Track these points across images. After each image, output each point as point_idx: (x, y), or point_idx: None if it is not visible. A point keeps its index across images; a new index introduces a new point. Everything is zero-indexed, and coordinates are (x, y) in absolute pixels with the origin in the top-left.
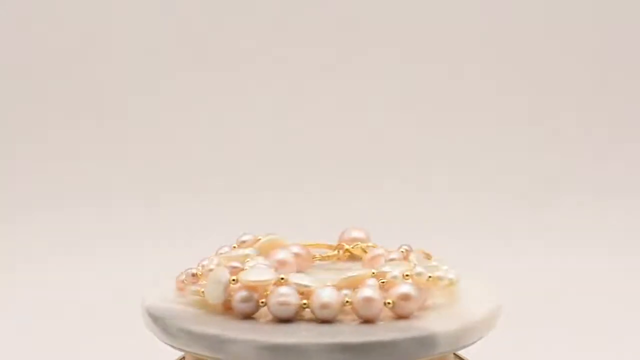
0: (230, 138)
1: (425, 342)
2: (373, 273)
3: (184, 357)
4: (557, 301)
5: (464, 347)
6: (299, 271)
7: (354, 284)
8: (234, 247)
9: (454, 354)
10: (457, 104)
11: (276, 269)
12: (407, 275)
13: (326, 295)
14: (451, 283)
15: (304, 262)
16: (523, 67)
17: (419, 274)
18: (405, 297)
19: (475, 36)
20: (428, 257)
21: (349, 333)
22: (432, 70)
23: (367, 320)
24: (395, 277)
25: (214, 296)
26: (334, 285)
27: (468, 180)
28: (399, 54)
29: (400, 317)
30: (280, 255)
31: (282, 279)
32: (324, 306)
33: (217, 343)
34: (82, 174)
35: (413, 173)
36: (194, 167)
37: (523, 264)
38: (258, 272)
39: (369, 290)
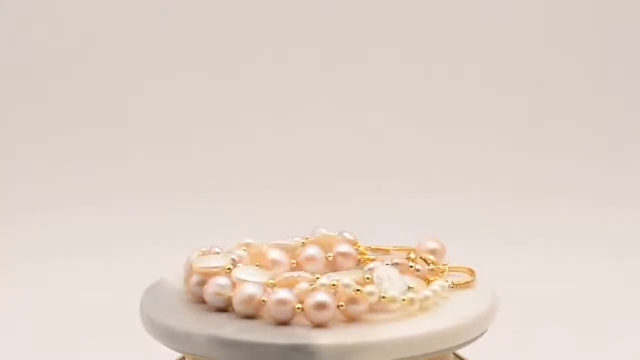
0: (230, 138)
1: (299, 350)
2: (317, 277)
3: (183, 357)
4: (556, 301)
5: None
6: (334, 270)
7: (291, 284)
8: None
9: (454, 353)
10: (457, 104)
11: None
12: (333, 285)
13: (247, 290)
14: (392, 300)
15: (347, 262)
16: (523, 67)
17: (346, 286)
18: (320, 306)
19: (475, 36)
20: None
21: (234, 329)
22: (432, 70)
23: (282, 323)
24: (335, 285)
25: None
26: (266, 283)
27: (468, 180)
28: (399, 54)
29: (318, 325)
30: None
31: (229, 269)
32: (244, 301)
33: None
34: (82, 174)
35: (413, 173)
36: (194, 167)
37: (523, 264)
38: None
39: (283, 292)
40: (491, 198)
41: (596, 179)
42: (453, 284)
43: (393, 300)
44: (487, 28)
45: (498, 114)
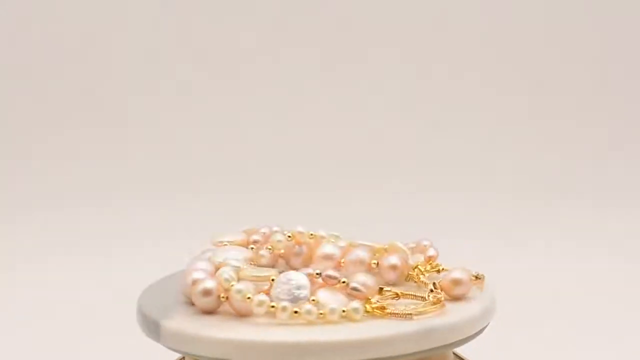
0: (230, 138)
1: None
2: (274, 278)
3: (183, 357)
4: (556, 301)
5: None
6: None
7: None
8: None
9: (454, 353)
10: (457, 104)
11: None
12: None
13: (207, 284)
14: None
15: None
16: (523, 67)
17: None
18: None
19: (475, 36)
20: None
21: (181, 318)
22: (432, 70)
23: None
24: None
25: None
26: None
27: (468, 180)
28: (399, 54)
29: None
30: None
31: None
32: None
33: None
34: (82, 174)
35: (413, 173)
36: (194, 167)
37: (523, 264)
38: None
39: (241, 284)
40: (491, 198)
41: (596, 179)
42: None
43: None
44: (487, 28)
45: (498, 114)
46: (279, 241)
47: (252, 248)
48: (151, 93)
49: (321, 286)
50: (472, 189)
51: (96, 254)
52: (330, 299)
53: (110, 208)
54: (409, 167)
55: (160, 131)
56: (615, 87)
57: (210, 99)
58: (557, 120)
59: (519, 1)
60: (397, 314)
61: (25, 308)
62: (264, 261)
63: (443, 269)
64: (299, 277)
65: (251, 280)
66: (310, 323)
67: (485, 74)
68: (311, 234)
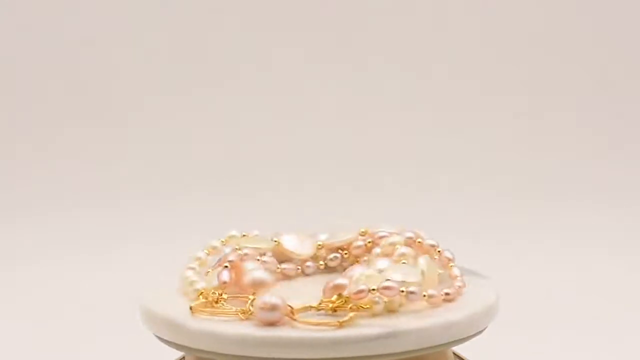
0: (230, 138)
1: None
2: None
3: (183, 357)
4: (556, 301)
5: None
6: None
7: None
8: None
9: (454, 353)
10: (457, 104)
11: None
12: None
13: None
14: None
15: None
16: (523, 67)
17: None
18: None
19: (475, 36)
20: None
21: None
22: (433, 70)
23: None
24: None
25: None
26: None
27: (468, 180)
28: (399, 54)
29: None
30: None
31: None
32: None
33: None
34: (82, 174)
35: (413, 173)
36: (194, 167)
37: (523, 264)
38: None
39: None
40: (491, 198)
41: (596, 179)
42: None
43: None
44: (487, 28)
45: (498, 114)
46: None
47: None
48: (151, 93)
49: None
50: (472, 189)
51: (96, 254)
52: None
53: (110, 208)
54: (409, 167)
55: (160, 131)
56: (615, 87)
57: (210, 99)
58: (556, 120)
59: (519, 1)
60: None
61: (25, 308)
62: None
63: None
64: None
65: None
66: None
67: (485, 74)
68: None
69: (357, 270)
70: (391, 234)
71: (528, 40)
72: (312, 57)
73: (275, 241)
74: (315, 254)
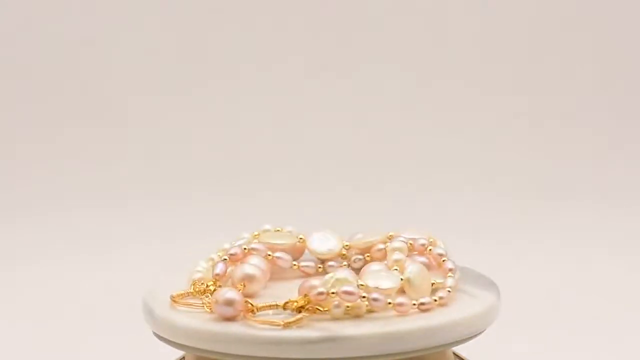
0: (230, 138)
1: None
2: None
3: (183, 357)
4: (556, 301)
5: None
6: None
7: None
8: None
9: (454, 353)
10: (457, 104)
11: None
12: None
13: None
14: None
15: None
16: (523, 67)
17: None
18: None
19: (475, 37)
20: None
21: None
22: (433, 70)
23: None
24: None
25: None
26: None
27: (468, 180)
28: (399, 53)
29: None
30: None
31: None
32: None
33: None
34: (82, 174)
35: (413, 173)
36: (194, 167)
37: (523, 264)
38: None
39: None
40: (491, 198)
41: (596, 179)
42: None
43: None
44: (488, 28)
45: (498, 114)
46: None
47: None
48: (151, 93)
49: None
50: (472, 189)
51: (96, 254)
52: None
53: (111, 208)
54: (409, 167)
55: (160, 131)
56: (615, 87)
57: (210, 99)
58: (557, 121)
59: (519, 1)
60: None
61: (25, 308)
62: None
63: None
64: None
65: None
66: None
67: (485, 74)
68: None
69: (340, 273)
70: (408, 239)
71: (528, 40)
72: (312, 57)
73: (301, 238)
74: (342, 254)
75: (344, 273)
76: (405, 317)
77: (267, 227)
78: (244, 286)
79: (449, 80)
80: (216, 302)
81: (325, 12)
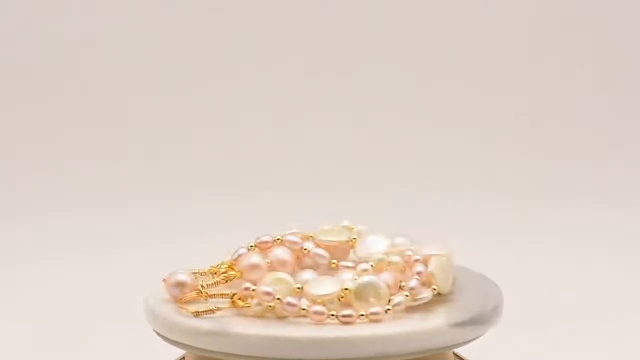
0: (230, 138)
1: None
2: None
3: (184, 357)
4: (556, 301)
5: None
6: None
7: None
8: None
9: (454, 353)
10: (457, 104)
11: None
12: None
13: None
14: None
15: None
16: (523, 67)
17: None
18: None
19: (475, 36)
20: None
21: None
22: (433, 70)
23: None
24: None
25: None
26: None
27: (468, 180)
28: (399, 53)
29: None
30: None
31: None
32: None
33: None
34: (82, 174)
35: (413, 173)
36: (195, 167)
37: (523, 264)
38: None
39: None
40: (491, 198)
41: (596, 179)
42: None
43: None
44: (488, 28)
45: (498, 114)
46: None
47: None
48: (151, 93)
49: None
50: (472, 189)
51: (96, 254)
52: None
53: (111, 208)
54: (409, 167)
55: (160, 131)
56: (615, 87)
57: (210, 99)
58: (556, 121)
59: (519, 1)
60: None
61: (25, 308)
62: None
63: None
64: None
65: None
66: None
67: (485, 74)
68: None
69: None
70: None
71: (528, 40)
72: (312, 57)
73: (354, 238)
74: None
75: (346, 276)
76: (350, 326)
77: (346, 222)
78: (242, 273)
79: (449, 80)
80: (167, 282)
81: (325, 12)
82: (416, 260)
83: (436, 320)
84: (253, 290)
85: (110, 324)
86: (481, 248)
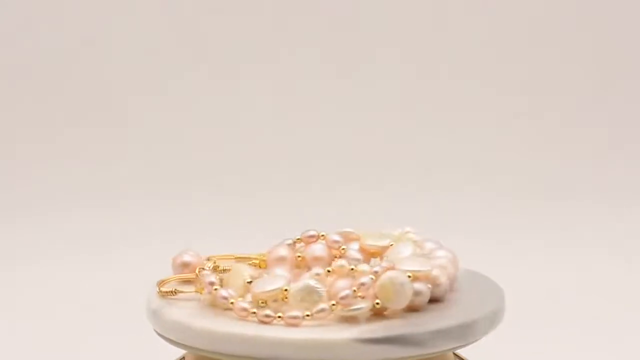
0: (230, 138)
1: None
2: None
3: (184, 357)
4: (556, 301)
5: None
6: None
7: None
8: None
9: (454, 353)
10: (457, 104)
11: None
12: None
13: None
14: None
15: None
16: (523, 67)
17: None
18: None
19: (475, 36)
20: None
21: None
22: (433, 69)
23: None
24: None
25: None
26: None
27: (468, 180)
28: (399, 53)
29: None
30: None
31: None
32: None
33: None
34: (82, 174)
35: (413, 173)
36: (195, 167)
37: (523, 264)
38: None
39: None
40: (491, 198)
41: (596, 179)
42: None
43: None
44: (488, 28)
45: (498, 114)
46: None
47: None
48: (151, 93)
49: None
50: (472, 189)
51: (96, 254)
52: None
53: (111, 208)
54: (409, 167)
55: (160, 131)
56: (615, 87)
57: (210, 99)
58: (556, 120)
59: (519, 1)
60: None
61: (25, 308)
62: None
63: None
64: None
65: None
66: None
67: (485, 73)
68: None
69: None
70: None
71: (528, 40)
72: (312, 56)
73: (391, 244)
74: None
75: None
76: (265, 326)
77: (408, 229)
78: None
79: (449, 80)
80: (174, 262)
81: (325, 12)
82: (375, 272)
83: (342, 334)
84: (212, 283)
85: (110, 324)
86: (481, 248)
